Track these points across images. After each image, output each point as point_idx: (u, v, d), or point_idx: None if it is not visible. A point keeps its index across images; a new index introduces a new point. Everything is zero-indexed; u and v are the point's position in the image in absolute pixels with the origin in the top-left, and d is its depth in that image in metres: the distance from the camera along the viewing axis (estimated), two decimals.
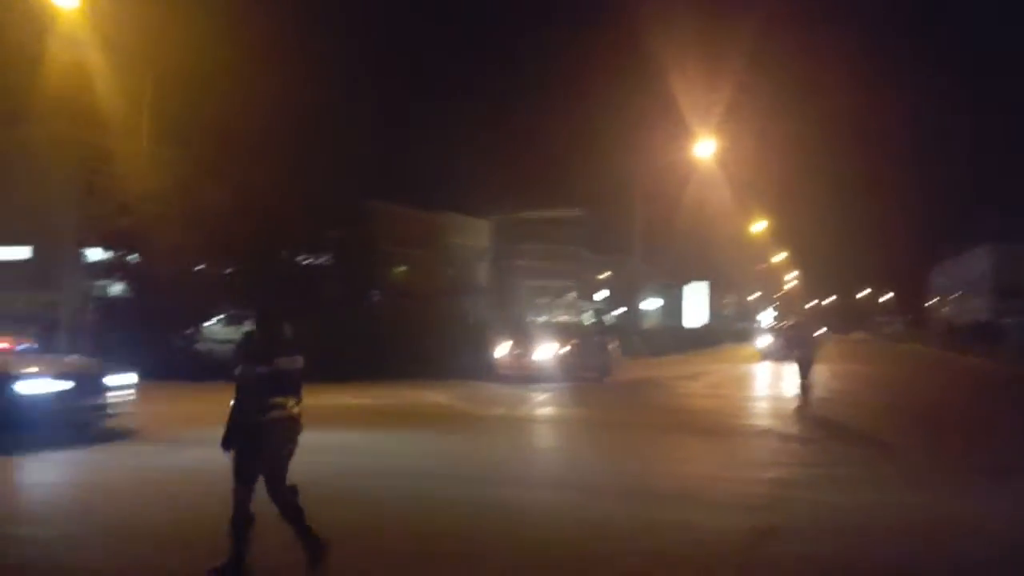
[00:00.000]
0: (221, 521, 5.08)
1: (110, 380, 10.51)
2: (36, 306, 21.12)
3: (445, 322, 24.37)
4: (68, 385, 9.83)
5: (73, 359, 11.98)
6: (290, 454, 5.11)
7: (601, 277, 64.99)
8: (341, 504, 6.87)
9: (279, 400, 5.01)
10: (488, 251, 56.43)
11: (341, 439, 10.68)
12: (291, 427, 5.08)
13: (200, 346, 22.54)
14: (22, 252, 29.18)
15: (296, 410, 5.09)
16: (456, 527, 6.59)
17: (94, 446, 9.70)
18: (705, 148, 33.59)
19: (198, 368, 19.36)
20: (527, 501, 7.65)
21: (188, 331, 21.38)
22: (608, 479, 8.77)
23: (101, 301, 21.04)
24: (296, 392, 5.13)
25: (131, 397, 10.81)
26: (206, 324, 25.31)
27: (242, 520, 4.99)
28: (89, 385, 10.18)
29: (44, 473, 8.61)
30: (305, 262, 23.56)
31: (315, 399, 14.48)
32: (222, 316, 22.46)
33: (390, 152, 40.20)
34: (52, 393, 9.64)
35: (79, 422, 10.05)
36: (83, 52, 20.06)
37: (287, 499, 5.04)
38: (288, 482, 5.09)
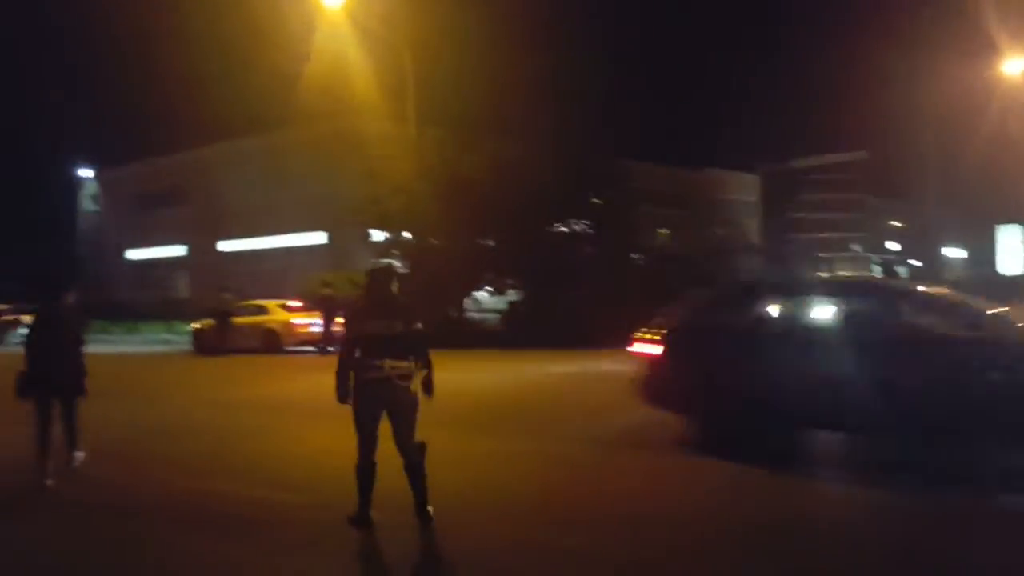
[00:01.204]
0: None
1: None
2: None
3: (712, 285, 23.17)
4: None
5: None
6: (406, 412, 5.32)
7: (892, 225, 58.62)
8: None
9: (391, 361, 5.23)
10: (758, 206, 53.36)
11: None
12: (396, 387, 5.27)
13: (472, 315, 23.61)
14: (319, 237, 32.69)
15: (405, 371, 5.28)
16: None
17: None
18: (1016, 66, 28.37)
19: (470, 336, 20.25)
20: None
21: (459, 302, 22.32)
22: None
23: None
24: (414, 354, 5.33)
25: None
26: (475, 294, 26.53)
27: (361, 469, 5.35)
28: None
29: None
30: (565, 229, 23.61)
31: (576, 365, 14.52)
32: (488, 287, 23.19)
33: (645, 109, 39.03)
34: None
35: None
36: (349, 46, 21.59)
37: (410, 456, 5.35)
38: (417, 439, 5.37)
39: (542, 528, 5.42)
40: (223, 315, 20.39)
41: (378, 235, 22.81)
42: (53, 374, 6.85)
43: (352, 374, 5.34)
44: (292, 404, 11.23)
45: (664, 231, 36.50)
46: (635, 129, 32.78)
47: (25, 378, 6.81)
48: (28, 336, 7.05)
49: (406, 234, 22.09)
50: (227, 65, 32.80)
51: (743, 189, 51.41)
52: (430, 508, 5.37)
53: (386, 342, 5.26)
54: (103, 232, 43.08)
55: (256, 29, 26.15)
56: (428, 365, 5.37)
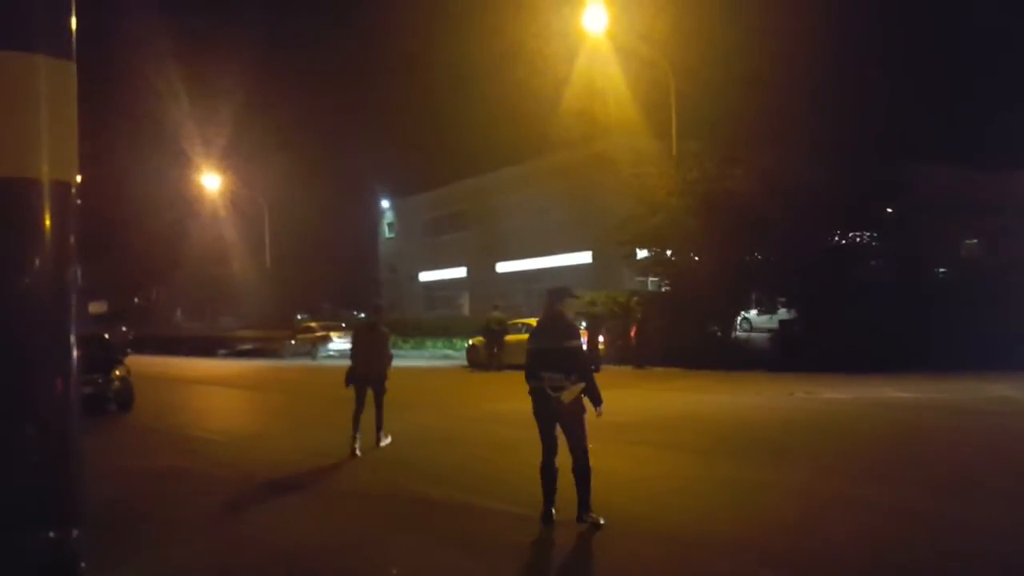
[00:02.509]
0: None
1: None
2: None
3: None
4: None
5: None
6: (564, 420, 5.76)
7: None
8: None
9: (548, 373, 5.72)
10: None
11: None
12: (548, 397, 5.74)
13: (740, 335, 22.46)
14: (584, 257, 33.18)
15: (558, 383, 5.70)
16: None
17: None
18: None
19: (736, 357, 19.25)
20: None
21: (725, 321, 21.31)
22: None
23: (644, 296, 22.27)
24: (574, 369, 5.74)
25: None
26: (744, 313, 25.23)
27: (542, 469, 5.85)
28: None
29: None
30: (844, 241, 21.63)
31: (854, 391, 13.10)
32: (756, 305, 21.96)
33: (937, 109, 34.69)
34: None
35: None
36: (610, 68, 21.75)
37: (577, 459, 5.74)
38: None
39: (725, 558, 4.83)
40: (493, 332, 21.37)
41: (642, 252, 22.60)
42: (371, 371, 9.10)
43: None
44: None
45: (972, 241, 32.23)
46: (927, 131, 29.23)
47: (350, 372, 9.19)
48: (353, 340, 9.64)
49: (668, 252, 21.63)
50: (500, 96, 34.75)
51: None
52: (598, 517, 5.63)
53: (545, 356, 5.78)
54: (399, 256, 47.47)
55: (520, 59, 27.40)
56: (585, 379, 5.73)
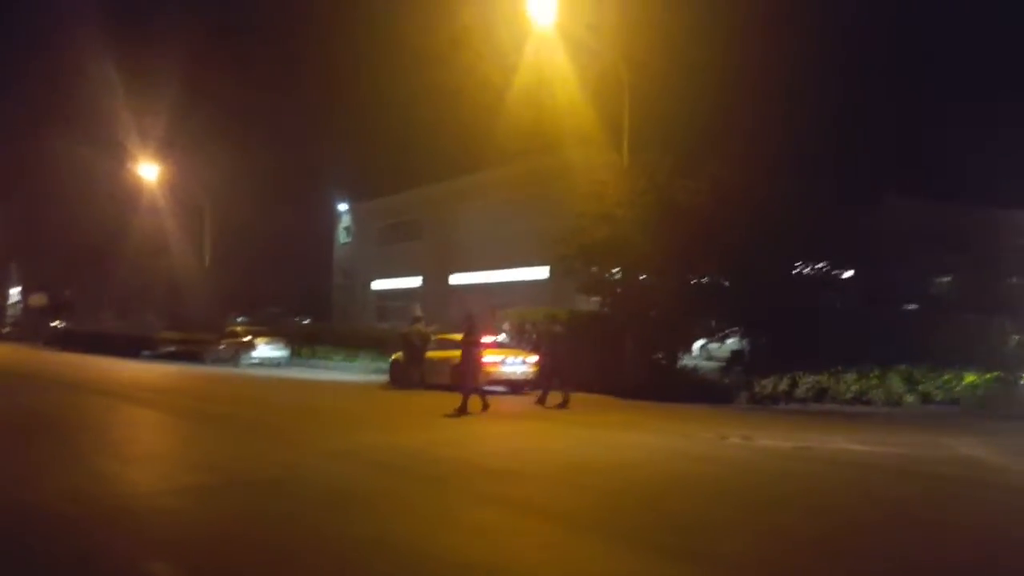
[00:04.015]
0: None
1: None
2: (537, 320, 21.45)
3: (999, 344, 18.35)
4: None
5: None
6: None
7: None
8: None
9: None
10: None
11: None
12: None
13: (688, 363, 20.46)
14: (541, 272, 31.21)
15: None
16: None
17: None
18: None
19: (681, 388, 17.30)
20: None
21: (672, 347, 19.25)
22: None
23: (579, 316, 20.31)
24: None
25: None
26: (698, 342, 23.36)
27: None
28: None
29: None
30: (806, 270, 19.76)
31: (798, 437, 11.05)
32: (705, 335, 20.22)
33: (909, 136, 32.97)
34: None
35: None
36: (562, 72, 19.89)
37: None
38: None
39: None
40: (414, 348, 19.19)
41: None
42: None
43: None
44: (419, 460, 9.16)
45: (944, 279, 30.64)
46: (895, 159, 27.45)
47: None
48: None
49: (615, 270, 19.60)
50: (456, 94, 32.77)
51: None
52: None
53: None
54: (353, 262, 45.15)
55: (472, 71, 25.53)
56: None
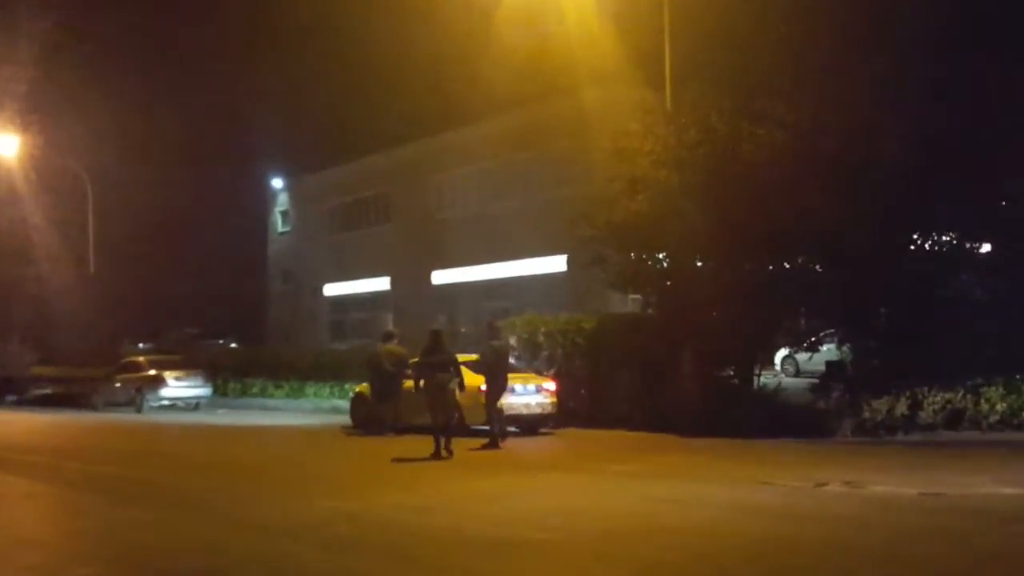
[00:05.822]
0: None
1: None
2: None
3: None
4: None
5: None
6: None
7: None
8: None
9: None
10: None
11: None
12: None
13: (768, 381, 20.56)
14: (557, 263, 31.36)
15: None
16: None
17: None
18: None
19: (748, 416, 17.51)
20: None
21: (744, 362, 19.38)
22: None
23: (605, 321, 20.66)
24: None
25: None
26: (780, 352, 23.53)
27: None
28: None
29: None
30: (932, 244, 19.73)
31: (927, 478, 11.05)
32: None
33: None
34: None
35: None
36: None
37: None
38: None
39: None
40: (384, 376, 19.20)
41: None
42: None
43: None
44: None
45: None
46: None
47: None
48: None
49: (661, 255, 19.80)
50: (430, 31, 32.89)
51: None
52: None
53: None
54: (296, 259, 45.15)
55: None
56: None
